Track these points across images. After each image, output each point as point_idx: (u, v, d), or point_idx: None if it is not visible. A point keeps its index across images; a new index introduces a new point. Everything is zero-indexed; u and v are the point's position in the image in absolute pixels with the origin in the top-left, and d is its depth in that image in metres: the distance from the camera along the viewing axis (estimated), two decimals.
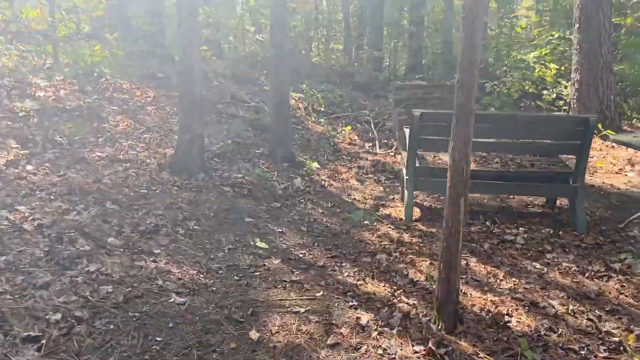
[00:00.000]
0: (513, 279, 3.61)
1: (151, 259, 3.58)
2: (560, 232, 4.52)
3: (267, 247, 4.04)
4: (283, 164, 6.22)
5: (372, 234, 4.49)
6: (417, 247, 4.17)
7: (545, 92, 10.09)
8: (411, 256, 3.97)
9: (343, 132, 8.30)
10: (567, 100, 8.92)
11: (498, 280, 3.60)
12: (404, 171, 5.09)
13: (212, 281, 3.40)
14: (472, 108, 2.55)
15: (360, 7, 15.42)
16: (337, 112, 9.56)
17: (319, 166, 6.37)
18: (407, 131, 5.20)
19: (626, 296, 3.39)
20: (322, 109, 9.37)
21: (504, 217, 4.88)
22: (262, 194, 5.25)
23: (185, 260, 3.67)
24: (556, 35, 10.72)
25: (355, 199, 5.61)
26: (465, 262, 3.84)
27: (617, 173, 6.75)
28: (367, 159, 7.16)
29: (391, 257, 3.93)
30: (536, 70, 10.13)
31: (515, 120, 4.86)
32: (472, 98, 2.54)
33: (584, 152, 4.57)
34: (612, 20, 8.22)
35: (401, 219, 4.87)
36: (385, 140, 8.28)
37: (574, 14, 8.34)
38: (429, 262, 3.88)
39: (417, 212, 5.04)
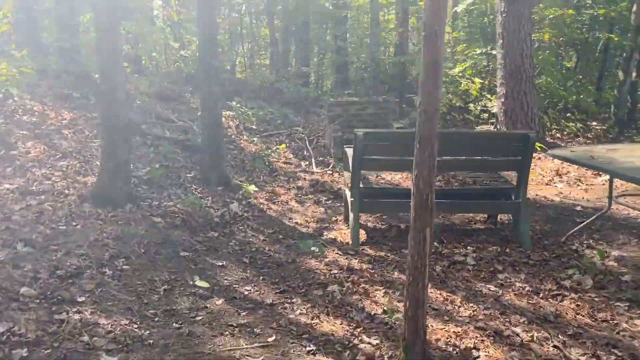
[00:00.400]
0: (471, 305, 3.47)
1: (74, 310, 3.10)
2: (507, 250, 4.49)
3: (208, 285, 3.66)
4: (218, 188, 5.84)
5: (319, 262, 4.22)
6: (368, 275, 3.96)
7: (471, 105, 10.36)
8: (364, 285, 3.74)
9: (278, 150, 8.02)
10: (494, 113, 9.17)
11: (456, 307, 3.45)
12: (347, 193, 4.88)
13: (147, 332, 2.98)
14: (435, 132, 2.37)
15: (286, 23, 15.29)
16: (269, 130, 9.26)
17: (257, 189, 6.04)
18: (349, 151, 5.01)
19: (583, 316, 3.34)
20: (254, 127, 9.05)
21: (450, 236, 4.79)
22: (197, 223, 4.85)
23: (115, 307, 3.22)
24: (478, 51, 11.08)
25: (297, 222, 5.34)
26: None
27: (547, 184, 6.95)
28: (305, 178, 6.91)
29: (344, 288, 3.68)
30: (462, 85, 10.39)
31: (458, 138, 4.81)
32: (436, 121, 2.35)
33: (525, 168, 4.58)
34: (532, 36, 8.56)
35: (348, 243, 4.65)
36: (321, 158, 8.08)
37: (497, 30, 8.61)
38: (383, 291, 3.67)
39: (362, 234, 4.84)
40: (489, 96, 10.27)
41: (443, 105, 10.13)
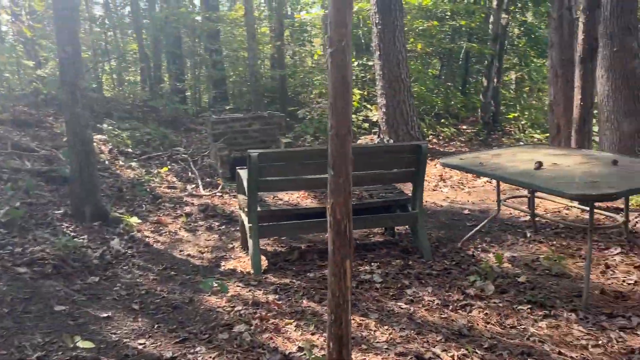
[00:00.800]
0: (386, 327, 3.34)
1: None
2: (410, 262, 4.47)
3: (92, 345, 3.13)
4: (94, 223, 5.19)
5: (220, 299, 3.85)
6: (276, 307, 3.67)
7: (353, 116, 10.53)
8: (273, 320, 3.45)
9: (159, 174, 7.43)
10: (377, 123, 9.38)
11: (372, 332, 3.29)
12: (244, 217, 4.57)
13: None
14: (349, 155, 2.17)
15: (154, 37, 14.47)
16: (148, 152, 8.59)
17: (139, 220, 5.47)
18: (243, 173, 4.70)
19: (493, 325, 3.36)
20: (130, 150, 8.33)
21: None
22: (72, 268, 4.21)
23: None
24: (355, 63, 11.33)
25: (189, 254, 4.89)
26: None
27: (433, 190, 7.19)
28: (193, 203, 6.44)
29: (252, 327, 3.36)
30: None
31: (354, 153, 4.71)
32: (349, 143, 2.16)
33: (419, 178, 4.61)
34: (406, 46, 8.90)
35: (249, 273, 4.33)
36: (209, 179, 7.64)
37: (373, 42, 8.82)
38: (294, 324, 3.41)
39: (263, 260, 4.54)
40: (369, 106, 10.52)
41: (327, 117, 10.19)
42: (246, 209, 4.42)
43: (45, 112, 9.49)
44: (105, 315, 3.58)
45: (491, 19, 10.54)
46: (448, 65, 13.90)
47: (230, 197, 6.82)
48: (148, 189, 6.71)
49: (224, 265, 4.59)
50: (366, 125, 10.60)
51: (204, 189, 7.10)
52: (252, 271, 4.31)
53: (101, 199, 5.47)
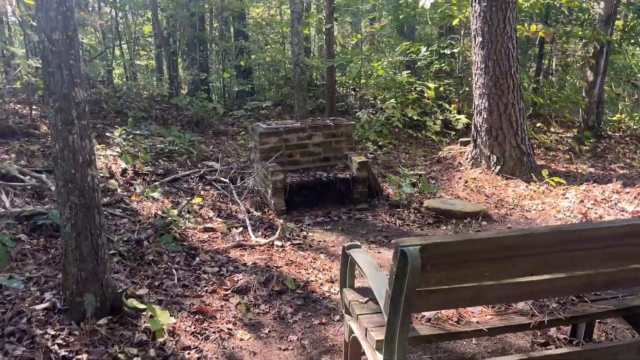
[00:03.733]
0: None
1: None
2: None
3: None
4: (98, 322, 3.13)
5: None
6: None
7: (427, 118, 8.36)
8: None
9: (192, 207, 5.36)
10: (472, 131, 7.20)
11: None
12: (357, 330, 2.51)
13: None
14: None
15: (169, 18, 12.29)
16: (172, 170, 6.52)
17: (172, 317, 3.38)
18: (363, 261, 2.65)
19: None
20: (149, 169, 6.26)
21: None
22: None
23: None
24: (423, 49, 9.08)
25: None
26: None
27: None
28: (245, 264, 4.36)
29: None
30: (413, 91, 8.34)
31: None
32: None
33: None
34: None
35: None
36: (258, 214, 5.57)
37: (473, 25, 6.62)
38: None
39: None
40: (447, 106, 8.33)
41: (397, 120, 8.03)
42: (372, 329, 2.34)
43: (41, 112, 7.45)
44: None
45: None
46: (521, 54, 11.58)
47: (293, 247, 4.75)
48: (179, 237, 4.64)
49: None
50: (452, 132, 8.44)
51: (254, 233, 5.02)
52: None
53: (110, 277, 3.38)
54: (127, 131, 7.05)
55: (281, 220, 5.30)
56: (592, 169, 7.31)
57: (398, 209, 5.86)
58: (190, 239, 4.72)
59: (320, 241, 5.04)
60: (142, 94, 10.63)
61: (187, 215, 5.21)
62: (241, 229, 5.12)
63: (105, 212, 4.25)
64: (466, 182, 6.58)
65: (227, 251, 4.58)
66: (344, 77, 10.88)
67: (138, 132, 7.48)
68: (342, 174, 5.95)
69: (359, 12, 13.45)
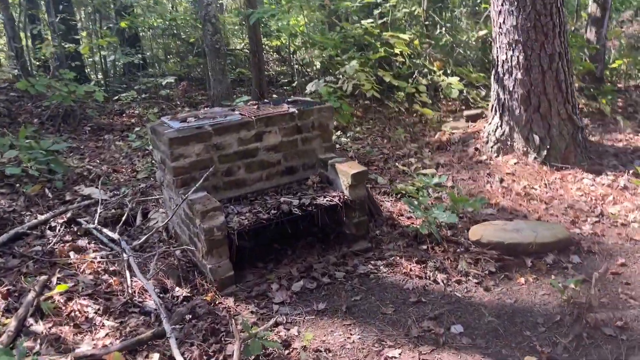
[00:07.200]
0: None
1: None
2: None
3: None
4: None
5: None
6: None
7: (404, 84, 5.89)
8: None
9: (47, 307, 2.59)
10: (492, 101, 4.89)
11: None
12: None
13: None
14: None
15: None
16: (10, 218, 3.62)
17: None
18: None
19: None
20: None
21: None
22: None
23: None
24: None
25: None
26: None
27: None
28: None
29: None
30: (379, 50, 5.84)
31: None
32: None
33: None
34: None
35: None
36: (184, 293, 2.92)
37: None
38: None
39: None
40: (429, 66, 5.95)
41: (372, 89, 5.53)
42: None
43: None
44: None
45: None
46: None
47: None
48: None
49: None
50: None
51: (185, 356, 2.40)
52: None
53: None
54: None
55: (237, 322, 2.67)
56: None
57: (423, 246, 3.48)
58: None
59: (320, 350, 2.54)
60: None
61: (38, 328, 2.47)
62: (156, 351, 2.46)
63: None
64: (501, 180, 4.32)
65: None
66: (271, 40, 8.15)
67: None
68: (325, 198, 3.42)
69: None
